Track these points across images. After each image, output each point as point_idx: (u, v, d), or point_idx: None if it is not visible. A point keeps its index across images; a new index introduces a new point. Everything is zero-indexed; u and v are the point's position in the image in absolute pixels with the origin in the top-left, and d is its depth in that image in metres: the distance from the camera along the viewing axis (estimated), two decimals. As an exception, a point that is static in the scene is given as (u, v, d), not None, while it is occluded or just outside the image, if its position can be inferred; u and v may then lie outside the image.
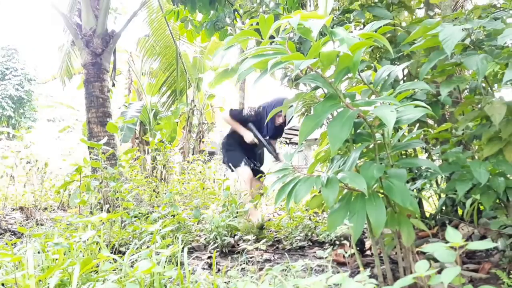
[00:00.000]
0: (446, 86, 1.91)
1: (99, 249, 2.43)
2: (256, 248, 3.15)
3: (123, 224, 3.47)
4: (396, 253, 1.96)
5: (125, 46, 13.17)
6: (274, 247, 3.36)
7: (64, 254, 2.19)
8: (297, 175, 1.83)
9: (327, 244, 3.22)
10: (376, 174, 1.58)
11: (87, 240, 2.26)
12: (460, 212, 3.00)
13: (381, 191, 1.73)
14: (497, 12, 2.11)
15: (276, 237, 3.60)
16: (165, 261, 1.92)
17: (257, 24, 1.74)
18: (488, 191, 1.84)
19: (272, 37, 1.77)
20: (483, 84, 2.17)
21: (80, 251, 2.28)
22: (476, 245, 0.97)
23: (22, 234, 3.78)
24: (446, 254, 0.97)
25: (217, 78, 12.04)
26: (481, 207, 2.71)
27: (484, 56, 1.72)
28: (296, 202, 1.69)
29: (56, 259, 2.07)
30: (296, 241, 3.32)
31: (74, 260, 1.80)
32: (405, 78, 3.37)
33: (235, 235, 3.53)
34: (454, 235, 0.98)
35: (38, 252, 2.15)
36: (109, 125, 3.94)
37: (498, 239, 2.25)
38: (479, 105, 2.01)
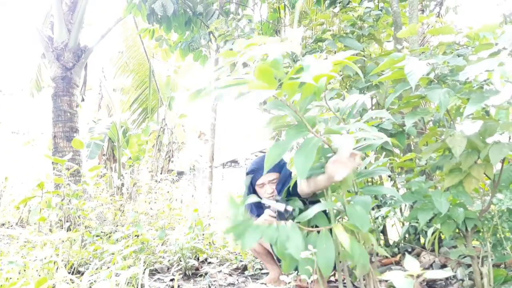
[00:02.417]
0: (411, 117, 1.97)
1: (57, 268, 2.34)
2: (220, 272, 3.11)
3: (83, 243, 3.37)
4: (359, 280, 1.97)
5: (97, 62, 13.04)
6: (239, 271, 3.32)
7: (19, 273, 2.10)
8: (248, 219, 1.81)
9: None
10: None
11: (44, 258, 2.17)
12: (422, 240, 3.06)
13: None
14: (460, 49, 2.21)
15: (241, 261, 3.56)
16: (126, 283, 1.87)
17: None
18: (448, 220, 1.89)
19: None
20: (446, 118, 2.25)
21: (36, 270, 2.19)
22: (434, 273, 0.99)
23: (-24, 250, 3.60)
24: (405, 282, 0.99)
25: (190, 98, 11.99)
26: (443, 236, 2.78)
27: (447, 90, 1.79)
28: (243, 249, 1.67)
29: (10, 278, 1.98)
30: (261, 265, 3.30)
31: (29, 279, 1.73)
32: (373, 107, 3.47)
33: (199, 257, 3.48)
34: (412, 264, 1.00)
35: (-9, 270, 2.05)
36: (75, 140, 3.86)
37: (458, 268, 2.30)
38: (443, 137, 2.08)
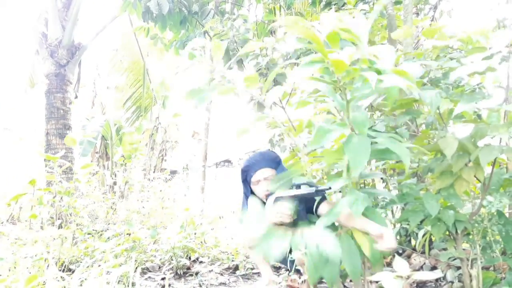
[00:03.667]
0: (402, 117, 1.99)
1: (47, 266, 2.33)
2: (211, 271, 3.11)
3: (74, 241, 3.35)
4: (350, 281, 1.98)
5: (92, 59, 12.97)
6: (230, 270, 3.32)
7: (9, 270, 2.09)
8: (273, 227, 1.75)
9: (283, 269, 3.21)
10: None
11: (35, 256, 2.16)
12: (413, 242, 3.08)
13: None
14: (454, 52, 2.22)
15: (233, 261, 3.57)
16: (117, 281, 1.86)
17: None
18: (438, 223, 1.90)
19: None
20: (438, 120, 2.27)
21: (27, 268, 2.18)
22: (423, 275, 1.00)
23: (-35, 247, 3.57)
24: (394, 283, 1.00)
25: (186, 96, 11.95)
26: (433, 238, 2.80)
27: (439, 91, 1.81)
28: (268, 260, 1.57)
29: (0, 275, 1.97)
30: (252, 265, 3.30)
31: (18, 276, 1.72)
32: (366, 109, 3.47)
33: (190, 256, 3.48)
34: (402, 265, 1.01)
35: (-20, 267, 2.04)
36: (68, 138, 3.84)
37: (447, 270, 2.32)
38: (435, 139, 2.09)
